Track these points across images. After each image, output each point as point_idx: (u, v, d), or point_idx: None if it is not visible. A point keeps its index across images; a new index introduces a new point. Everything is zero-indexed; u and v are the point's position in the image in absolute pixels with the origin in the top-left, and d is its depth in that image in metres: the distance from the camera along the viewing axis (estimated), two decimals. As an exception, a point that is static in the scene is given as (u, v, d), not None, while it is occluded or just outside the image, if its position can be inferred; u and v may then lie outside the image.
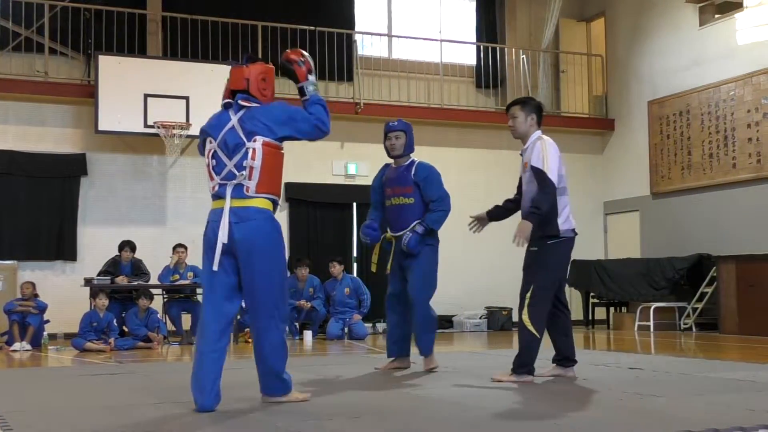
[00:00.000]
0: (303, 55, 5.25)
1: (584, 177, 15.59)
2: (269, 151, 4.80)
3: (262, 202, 4.82)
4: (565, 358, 6.20)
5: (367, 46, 14.76)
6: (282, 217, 13.65)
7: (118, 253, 11.30)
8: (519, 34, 15.81)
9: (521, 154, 6.23)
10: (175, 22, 13.17)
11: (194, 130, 12.41)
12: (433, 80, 14.72)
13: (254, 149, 4.75)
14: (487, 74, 15.25)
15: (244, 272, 4.77)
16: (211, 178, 4.89)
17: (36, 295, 10.63)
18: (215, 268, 4.75)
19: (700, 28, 13.75)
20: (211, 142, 4.89)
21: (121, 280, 11.00)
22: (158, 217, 12.96)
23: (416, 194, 6.88)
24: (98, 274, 11.03)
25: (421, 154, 13.63)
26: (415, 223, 6.81)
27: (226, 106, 4.94)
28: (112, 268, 11.18)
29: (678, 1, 13.99)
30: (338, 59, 14.01)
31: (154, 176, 12.99)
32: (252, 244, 4.75)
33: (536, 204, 5.80)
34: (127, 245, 11.30)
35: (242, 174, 4.76)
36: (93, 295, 10.48)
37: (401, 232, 6.84)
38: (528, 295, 5.89)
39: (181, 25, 13.14)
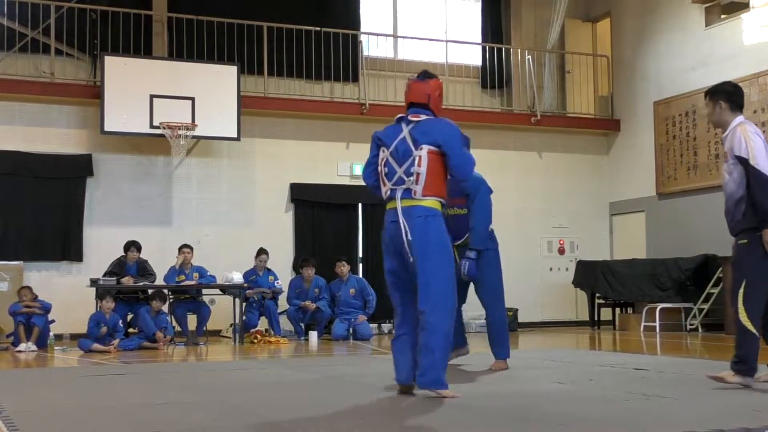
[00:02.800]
0: None
1: (590, 177, 15.59)
2: (434, 158, 5.24)
3: (429, 203, 5.25)
4: None
5: (372, 47, 14.75)
6: (287, 217, 13.66)
7: (123, 254, 11.31)
8: (524, 35, 15.79)
9: (722, 143, 5.90)
10: (181, 22, 13.19)
11: (200, 131, 12.44)
12: (439, 81, 14.69)
13: (420, 156, 5.22)
14: (493, 75, 15.23)
15: (414, 265, 5.20)
16: (384, 184, 5.41)
17: (35, 297, 10.62)
18: (411, 259, 5.20)
19: (706, 28, 13.72)
20: (384, 151, 5.41)
21: (127, 281, 11.01)
22: (164, 218, 12.97)
23: (469, 204, 6.96)
24: (104, 275, 11.03)
25: (426, 155, 13.75)
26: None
27: (398, 120, 5.44)
28: (117, 268, 11.19)
29: (684, 2, 13.97)
30: (344, 60, 14.02)
31: (160, 177, 13.01)
32: (418, 239, 5.18)
33: (764, 207, 5.44)
34: (133, 245, 11.31)
35: (410, 179, 5.23)
36: (99, 297, 10.48)
37: (459, 242, 6.84)
38: (741, 291, 5.56)
39: (187, 26, 13.16)
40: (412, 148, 5.25)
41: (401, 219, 5.21)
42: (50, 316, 10.54)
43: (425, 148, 5.22)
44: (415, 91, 5.45)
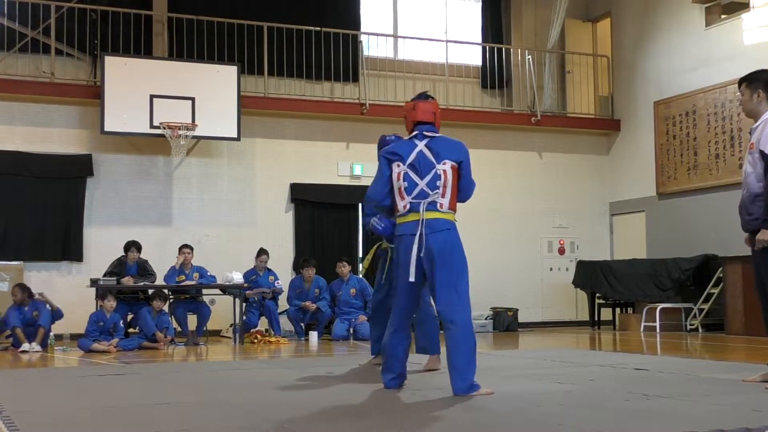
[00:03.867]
0: None
1: (590, 178, 15.59)
2: (454, 174, 5.40)
3: (451, 216, 5.41)
4: None
5: (372, 47, 14.75)
6: (287, 218, 13.66)
7: (123, 254, 11.31)
8: (524, 35, 15.79)
9: (750, 133, 5.85)
10: (181, 22, 13.19)
11: (200, 131, 12.44)
12: (439, 81, 14.71)
13: (445, 171, 5.37)
14: (493, 75, 15.23)
15: (435, 273, 5.30)
16: (402, 198, 5.43)
17: (32, 296, 10.54)
18: (411, 279, 5.34)
19: (706, 28, 13.72)
20: (399, 165, 5.45)
21: (127, 281, 11.00)
22: (164, 218, 12.97)
23: None
24: (104, 275, 11.03)
25: (426, 155, 13.75)
26: None
27: (411, 138, 5.53)
28: (117, 268, 11.18)
29: (684, 2, 13.96)
30: (344, 60, 14.02)
31: (160, 177, 13.01)
32: (443, 250, 5.30)
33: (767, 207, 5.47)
34: (133, 246, 11.30)
35: (436, 192, 5.34)
36: (101, 297, 10.47)
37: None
38: None
39: (187, 26, 13.16)
40: (434, 161, 5.37)
41: (422, 231, 5.29)
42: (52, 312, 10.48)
43: (448, 163, 5.37)
44: (423, 111, 5.56)
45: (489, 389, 5.33)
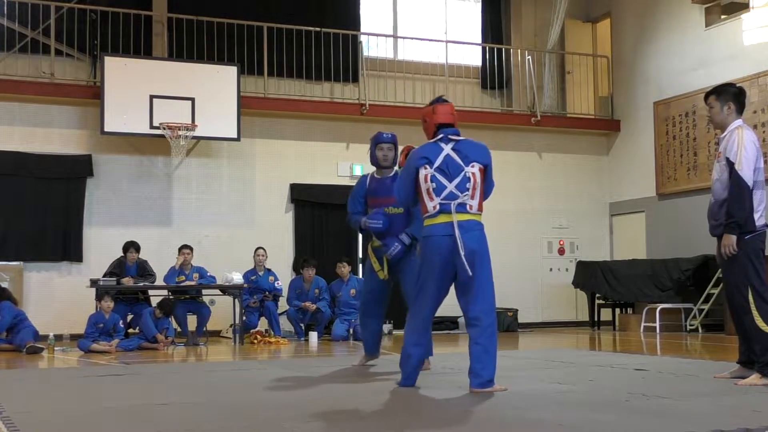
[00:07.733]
0: None
1: (590, 178, 15.59)
2: (481, 176, 5.54)
3: (479, 217, 5.54)
4: (750, 359, 5.85)
5: (372, 47, 14.75)
6: (287, 218, 13.66)
7: (123, 254, 11.30)
8: (524, 35, 15.80)
9: (717, 143, 6.04)
10: (181, 23, 13.19)
11: (200, 131, 12.44)
12: (439, 81, 14.71)
13: (474, 173, 5.50)
14: (493, 75, 15.23)
15: (463, 273, 5.39)
16: (431, 199, 5.51)
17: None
18: (470, 273, 5.37)
19: (706, 28, 13.72)
20: (426, 168, 5.53)
21: (127, 281, 10.99)
22: (163, 218, 12.97)
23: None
24: (104, 275, 11.02)
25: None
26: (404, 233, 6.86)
27: (437, 140, 5.61)
28: (117, 269, 11.18)
29: (684, 2, 13.97)
30: (344, 60, 14.02)
31: (160, 177, 13.01)
32: (474, 250, 5.41)
33: (731, 212, 5.69)
34: (132, 246, 11.29)
35: (465, 194, 5.45)
36: (98, 298, 10.47)
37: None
38: (750, 298, 5.66)
39: (187, 27, 13.16)
40: (462, 164, 5.49)
41: (458, 233, 5.38)
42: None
43: (476, 165, 5.51)
44: (443, 113, 5.68)
45: (503, 386, 5.48)
